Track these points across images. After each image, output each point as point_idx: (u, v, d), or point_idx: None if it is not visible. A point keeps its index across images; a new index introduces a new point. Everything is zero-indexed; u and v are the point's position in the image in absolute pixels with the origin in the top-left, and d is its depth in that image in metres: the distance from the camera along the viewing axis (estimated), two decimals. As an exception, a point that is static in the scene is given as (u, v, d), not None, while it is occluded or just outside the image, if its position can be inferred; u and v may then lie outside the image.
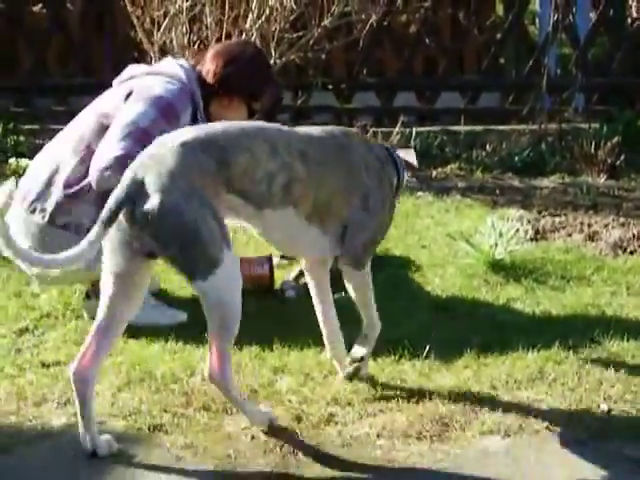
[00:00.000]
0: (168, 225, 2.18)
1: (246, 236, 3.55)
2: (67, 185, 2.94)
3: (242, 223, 2.43)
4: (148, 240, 2.21)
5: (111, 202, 2.17)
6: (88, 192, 2.92)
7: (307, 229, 2.47)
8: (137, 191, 2.18)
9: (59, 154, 3.02)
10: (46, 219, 2.94)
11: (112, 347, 2.36)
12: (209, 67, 3.09)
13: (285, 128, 2.48)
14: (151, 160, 2.23)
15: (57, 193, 2.94)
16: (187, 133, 2.31)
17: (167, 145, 2.26)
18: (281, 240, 2.55)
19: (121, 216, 2.18)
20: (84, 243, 2.17)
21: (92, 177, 2.88)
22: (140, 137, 2.87)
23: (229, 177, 2.29)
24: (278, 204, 2.38)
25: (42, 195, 2.97)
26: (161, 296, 3.31)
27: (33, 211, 2.96)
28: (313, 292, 2.69)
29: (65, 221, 2.94)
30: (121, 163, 2.82)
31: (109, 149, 2.86)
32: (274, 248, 2.72)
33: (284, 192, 2.37)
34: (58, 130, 3.18)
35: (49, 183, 2.97)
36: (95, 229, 2.16)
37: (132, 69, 3.16)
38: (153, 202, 2.16)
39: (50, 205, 2.94)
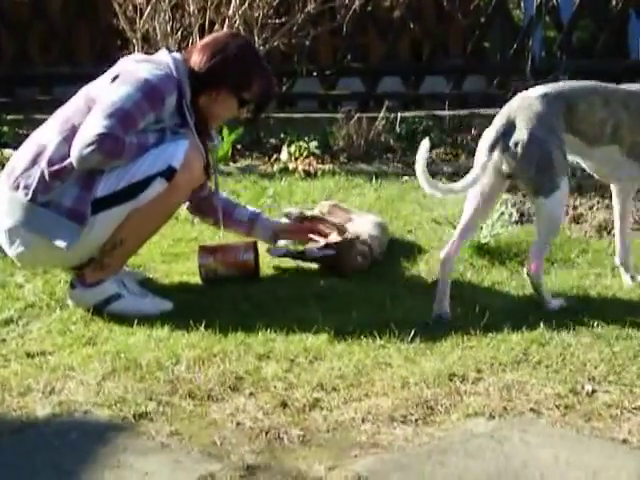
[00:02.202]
0: (532, 152, 2.91)
1: (231, 223, 3.54)
2: (50, 163, 2.94)
3: (574, 158, 3.14)
4: (512, 163, 2.94)
5: (491, 135, 2.94)
6: (70, 172, 2.92)
7: (625, 162, 3.13)
8: (510, 127, 2.93)
9: (46, 134, 3.03)
10: (29, 196, 2.94)
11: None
12: (197, 59, 3.10)
13: (612, 85, 3.14)
14: (520, 107, 2.96)
15: (40, 170, 2.95)
16: (544, 88, 3.02)
17: (531, 96, 2.98)
18: (602, 170, 3.23)
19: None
20: (477, 168, 2.92)
21: (73, 154, 2.88)
22: (123, 118, 2.89)
23: (571, 120, 2.99)
24: (607, 143, 3.07)
25: (26, 172, 2.97)
26: (147, 285, 3.30)
27: (17, 187, 2.96)
28: (617, 208, 3.34)
29: (46, 199, 2.94)
30: (101, 141, 2.85)
31: (91, 127, 2.88)
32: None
33: (612, 134, 3.05)
34: (42, 120, 3.17)
35: (34, 161, 2.98)
36: (482, 157, 2.92)
37: (126, 58, 3.18)
38: (523, 134, 2.91)
39: (33, 182, 2.94)
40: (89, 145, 2.85)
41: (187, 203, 3.46)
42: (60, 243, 2.92)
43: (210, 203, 3.43)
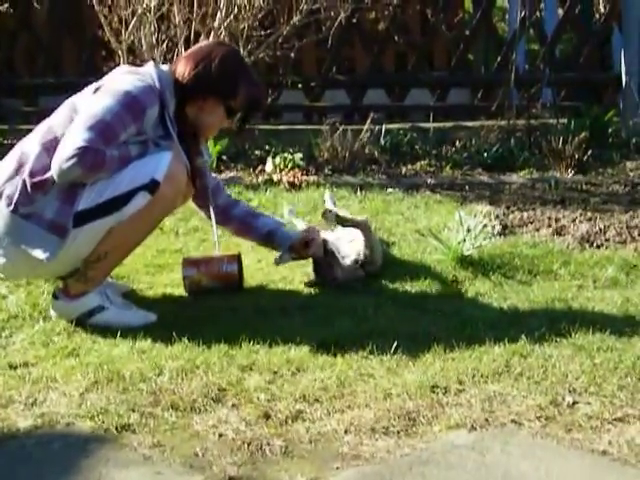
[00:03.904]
0: None
1: (216, 235, 3.54)
2: (31, 174, 2.94)
3: None
4: None
5: None
6: (52, 184, 2.91)
7: None
8: None
9: (29, 144, 3.03)
10: (11, 207, 2.93)
11: None
12: (182, 69, 3.10)
13: None
14: None
15: (22, 180, 2.94)
16: None
17: None
18: None
19: None
20: None
21: (53, 168, 2.88)
22: (103, 130, 2.88)
23: None
24: None
25: (9, 181, 2.96)
26: (130, 297, 3.30)
27: (0, 196, 2.95)
28: None
29: (28, 211, 2.93)
30: (82, 154, 2.84)
31: (71, 140, 2.87)
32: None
33: None
34: (27, 130, 3.18)
35: (17, 171, 2.97)
36: None
37: (114, 70, 3.19)
38: None
39: (16, 192, 2.93)
40: (69, 159, 2.84)
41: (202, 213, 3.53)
42: (39, 255, 2.92)
43: (226, 213, 3.46)
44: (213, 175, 3.59)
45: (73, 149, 2.84)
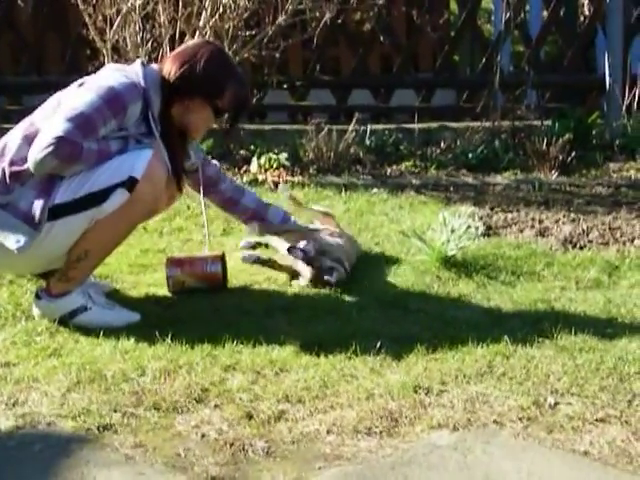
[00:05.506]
0: None
1: (200, 235, 3.54)
2: (11, 164, 2.93)
3: None
4: None
5: None
6: (30, 176, 2.90)
7: None
8: None
9: (11, 135, 3.02)
10: None
11: None
12: (168, 68, 3.09)
13: None
14: None
15: (2, 170, 2.92)
16: None
17: None
18: None
19: None
20: None
21: (29, 158, 2.86)
22: (82, 123, 2.87)
23: None
24: None
25: None
26: (114, 296, 3.29)
27: None
28: None
29: (5, 201, 2.91)
30: (58, 144, 2.82)
31: (49, 131, 2.86)
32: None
33: None
34: (10, 129, 3.15)
35: None
36: None
37: (103, 68, 3.18)
38: None
39: None
40: (45, 148, 2.83)
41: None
42: (11, 245, 2.90)
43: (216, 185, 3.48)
44: (214, 162, 3.58)
45: (49, 139, 2.83)
